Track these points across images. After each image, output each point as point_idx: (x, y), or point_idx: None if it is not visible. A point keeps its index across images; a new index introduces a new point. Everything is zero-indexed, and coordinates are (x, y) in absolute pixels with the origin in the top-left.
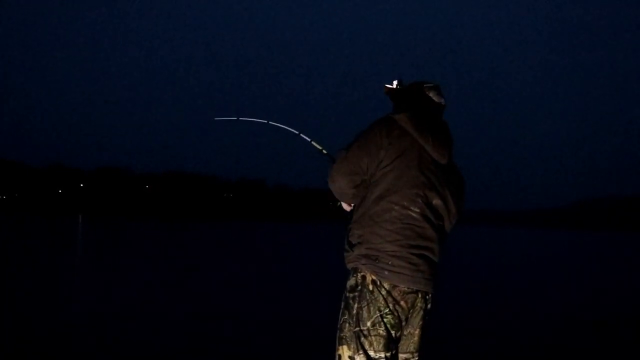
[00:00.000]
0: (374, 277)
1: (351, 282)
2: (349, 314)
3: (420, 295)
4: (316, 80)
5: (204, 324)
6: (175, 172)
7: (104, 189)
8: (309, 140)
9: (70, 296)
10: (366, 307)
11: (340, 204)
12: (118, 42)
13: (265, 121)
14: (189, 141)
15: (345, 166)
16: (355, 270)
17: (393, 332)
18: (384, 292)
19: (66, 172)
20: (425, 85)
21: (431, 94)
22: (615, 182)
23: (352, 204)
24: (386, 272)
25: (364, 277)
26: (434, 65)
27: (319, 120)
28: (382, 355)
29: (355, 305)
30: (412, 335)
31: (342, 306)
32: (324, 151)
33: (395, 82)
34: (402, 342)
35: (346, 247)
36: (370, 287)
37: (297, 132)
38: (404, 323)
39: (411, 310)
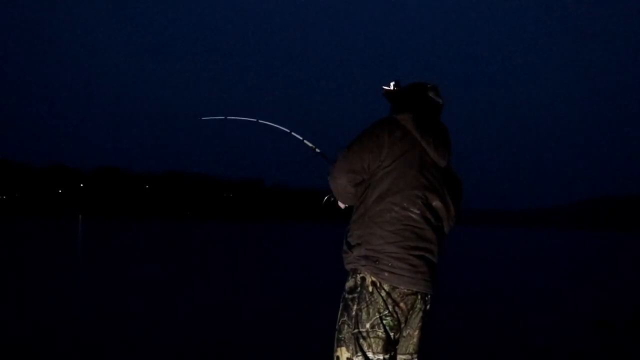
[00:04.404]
0: (373, 279)
1: (350, 283)
2: (348, 315)
3: (419, 297)
4: (314, 80)
5: (202, 323)
6: (175, 172)
7: (104, 189)
8: (300, 138)
9: (70, 296)
10: (365, 308)
11: (334, 200)
12: (117, 42)
13: (255, 119)
14: (188, 141)
15: (346, 164)
16: (355, 272)
17: (392, 334)
18: (383, 294)
19: (66, 172)
20: (425, 85)
21: (431, 95)
22: (615, 182)
23: (346, 205)
24: (386, 274)
25: (363, 279)
26: (434, 64)
27: (315, 121)
28: (381, 357)
29: (355, 307)
30: (411, 336)
31: (340, 307)
32: (317, 150)
33: (392, 84)
34: (401, 343)
35: (345, 247)
36: (370, 289)
37: (288, 131)
38: (403, 325)
39: (410, 312)
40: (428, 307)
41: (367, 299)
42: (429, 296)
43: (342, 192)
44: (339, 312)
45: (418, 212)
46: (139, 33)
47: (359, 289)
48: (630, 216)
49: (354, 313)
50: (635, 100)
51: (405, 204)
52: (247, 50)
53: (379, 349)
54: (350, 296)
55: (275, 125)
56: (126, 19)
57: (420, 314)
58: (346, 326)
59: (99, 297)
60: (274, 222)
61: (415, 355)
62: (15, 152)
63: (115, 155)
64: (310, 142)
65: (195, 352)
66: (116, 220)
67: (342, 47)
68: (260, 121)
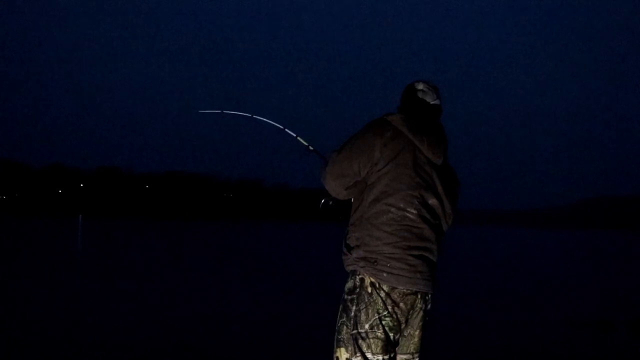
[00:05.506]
0: (372, 280)
1: (349, 284)
2: (347, 316)
3: (419, 296)
4: (311, 79)
5: (201, 325)
6: (175, 172)
7: (104, 189)
8: (294, 135)
9: (70, 296)
10: (364, 309)
11: (332, 204)
12: (117, 42)
13: (250, 115)
14: (189, 141)
15: (336, 168)
16: (354, 273)
17: (391, 335)
18: (382, 295)
19: (66, 172)
20: (415, 85)
21: (422, 94)
22: (615, 182)
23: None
24: (385, 275)
25: (362, 280)
26: (435, 64)
27: (311, 119)
28: (380, 357)
29: (354, 308)
30: (412, 336)
31: (340, 308)
32: (310, 147)
33: None
34: (402, 343)
35: (344, 249)
36: (369, 290)
37: (282, 127)
38: (403, 325)
39: (411, 312)
40: (429, 306)
41: (366, 300)
42: (429, 295)
43: (334, 194)
44: (339, 313)
45: (415, 211)
46: (139, 33)
47: (357, 290)
48: (630, 216)
49: (352, 314)
50: (635, 101)
51: (401, 205)
52: (247, 51)
53: (378, 349)
54: (349, 297)
55: (269, 122)
56: (127, 19)
57: (421, 313)
58: (345, 327)
59: (98, 297)
60: (273, 222)
61: (416, 355)
62: (15, 152)
63: (115, 155)
64: (304, 140)
65: (196, 352)
66: (116, 220)
67: (345, 45)
68: (255, 117)
